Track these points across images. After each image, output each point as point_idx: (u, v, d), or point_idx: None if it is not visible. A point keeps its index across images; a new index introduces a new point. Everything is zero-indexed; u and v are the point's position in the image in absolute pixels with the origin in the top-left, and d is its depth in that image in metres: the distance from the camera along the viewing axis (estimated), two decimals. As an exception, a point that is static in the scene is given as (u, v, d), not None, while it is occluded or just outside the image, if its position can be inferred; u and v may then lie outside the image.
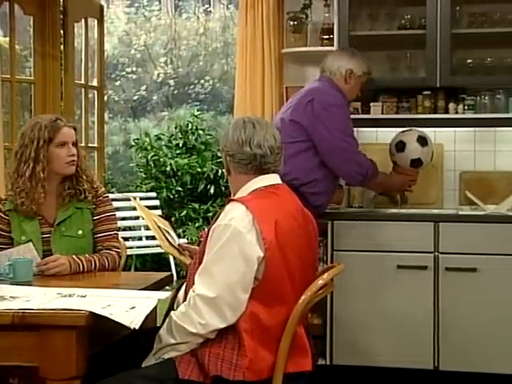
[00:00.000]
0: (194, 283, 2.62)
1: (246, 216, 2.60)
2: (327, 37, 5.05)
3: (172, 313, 2.63)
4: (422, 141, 4.56)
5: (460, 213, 4.62)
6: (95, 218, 3.44)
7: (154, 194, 9.27)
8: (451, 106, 4.86)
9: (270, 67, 5.13)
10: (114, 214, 3.51)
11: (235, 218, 2.60)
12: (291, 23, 5.17)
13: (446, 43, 4.64)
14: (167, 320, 2.65)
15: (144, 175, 9.86)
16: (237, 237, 2.57)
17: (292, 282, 2.66)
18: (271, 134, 2.81)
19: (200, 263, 2.65)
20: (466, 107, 4.84)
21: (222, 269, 2.56)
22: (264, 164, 2.77)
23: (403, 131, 4.66)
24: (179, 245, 3.18)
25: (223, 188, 9.33)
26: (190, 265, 2.79)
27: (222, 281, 2.55)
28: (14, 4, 5.31)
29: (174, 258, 3.18)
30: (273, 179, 2.81)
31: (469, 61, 4.88)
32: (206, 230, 2.79)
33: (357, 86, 4.42)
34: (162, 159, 9.68)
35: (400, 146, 4.59)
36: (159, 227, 3.15)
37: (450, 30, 4.64)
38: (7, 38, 5.53)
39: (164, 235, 3.14)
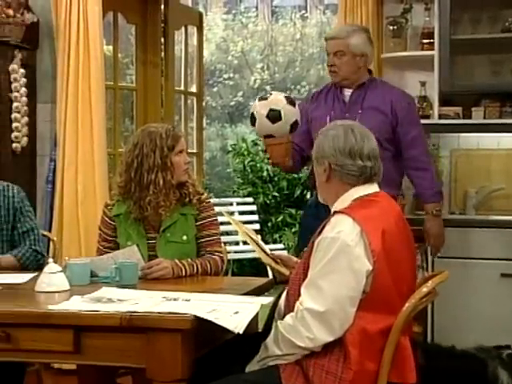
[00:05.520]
0: (297, 294, 2.62)
1: (353, 228, 2.58)
2: (427, 41, 5.00)
3: (279, 323, 2.63)
4: (291, 100, 3.98)
5: None
6: (199, 223, 3.48)
7: (250, 200, 9.32)
8: (556, 110, 4.74)
9: (369, 72, 5.10)
10: (217, 219, 3.55)
11: (343, 231, 2.57)
12: (391, 28, 5.14)
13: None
14: (273, 330, 2.65)
15: (241, 180, 9.93)
16: (345, 250, 2.54)
17: (398, 292, 2.63)
18: (373, 141, 2.79)
19: (305, 275, 2.63)
20: None
21: (330, 283, 2.54)
22: (374, 174, 2.76)
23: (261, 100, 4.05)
24: (272, 254, 3.14)
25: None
26: (291, 274, 2.78)
27: (331, 295, 2.53)
28: (117, 13, 5.44)
29: (272, 268, 3.14)
30: (375, 187, 2.79)
31: None
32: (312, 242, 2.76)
33: None
34: (258, 164, 9.72)
35: (274, 115, 3.90)
36: (252, 238, 3.14)
37: (555, 32, 4.54)
38: (110, 47, 5.66)
39: (259, 246, 3.13)
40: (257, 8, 13.76)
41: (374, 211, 2.68)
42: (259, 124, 3.92)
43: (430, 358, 3.79)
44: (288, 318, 2.60)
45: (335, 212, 2.68)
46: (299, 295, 2.61)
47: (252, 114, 3.95)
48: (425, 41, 5.03)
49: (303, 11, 13.62)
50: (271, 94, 4.00)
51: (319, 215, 4.04)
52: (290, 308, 2.68)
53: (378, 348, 2.57)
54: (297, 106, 3.92)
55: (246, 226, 3.40)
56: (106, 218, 3.53)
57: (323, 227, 2.66)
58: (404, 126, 4.12)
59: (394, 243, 2.64)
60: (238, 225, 3.25)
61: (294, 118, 3.90)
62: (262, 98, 3.99)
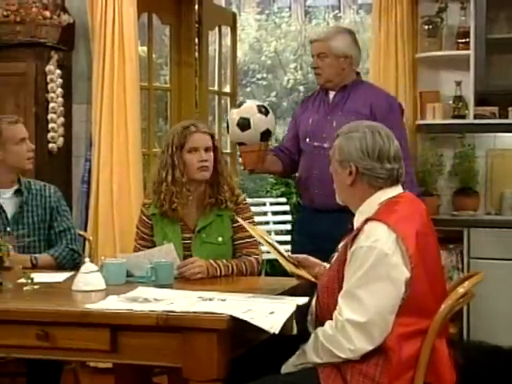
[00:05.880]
0: (332, 303, 2.59)
1: (389, 236, 2.54)
2: (463, 40, 4.96)
3: (319, 332, 2.60)
4: (264, 109, 4.00)
5: None
6: (235, 225, 3.46)
7: (284, 200, 9.31)
8: None
9: (403, 72, 5.07)
10: (254, 221, 3.53)
11: (379, 240, 2.53)
12: (426, 27, 5.11)
13: None
14: (313, 337, 2.61)
15: (274, 181, 9.92)
16: (383, 260, 2.51)
17: (433, 294, 2.61)
18: (396, 141, 2.76)
19: (339, 284, 2.60)
20: None
21: (369, 293, 2.50)
22: (400, 176, 2.74)
23: (235, 107, 4.13)
24: (289, 255, 3.09)
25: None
26: (321, 281, 2.75)
27: (370, 305, 2.50)
28: (152, 14, 5.47)
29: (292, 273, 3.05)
30: (399, 188, 2.76)
31: None
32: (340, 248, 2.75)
33: None
34: (292, 165, 9.71)
35: (243, 123, 3.93)
36: (269, 242, 3.07)
37: None
38: (145, 47, 5.70)
39: (277, 250, 3.05)
40: (290, 8, 13.76)
41: (404, 213, 2.65)
42: (231, 131, 3.98)
43: (470, 358, 3.75)
44: (328, 328, 2.57)
45: (368, 219, 2.62)
46: (334, 305, 2.59)
47: (227, 120, 4.02)
48: (460, 40, 4.99)
49: (336, 11, 13.59)
50: (245, 102, 4.04)
51: (314, 220, 4.06)
52: (322, 315, 2.67)
53: (415, 351, 2.55)
54: (270, 115, 3.94)
55: (261, 228, 3.33)
56: (144, 217, 3.55)
57: (355, 235, 2.61)
58: None
59: (426, 242, 2.62)
60: (253, 229, 3.18)
61: (265, 127, 3.90)
62: (236, 106, 4.03)
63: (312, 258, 3.06)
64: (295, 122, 4.28)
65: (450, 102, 5.04)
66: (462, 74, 4.97)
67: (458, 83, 5.03)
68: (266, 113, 3.93)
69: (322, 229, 3.88)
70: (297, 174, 4.30)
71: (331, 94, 4.16)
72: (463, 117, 4.98)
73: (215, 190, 3.47)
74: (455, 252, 4.59)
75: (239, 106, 4.00)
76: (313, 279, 2.96)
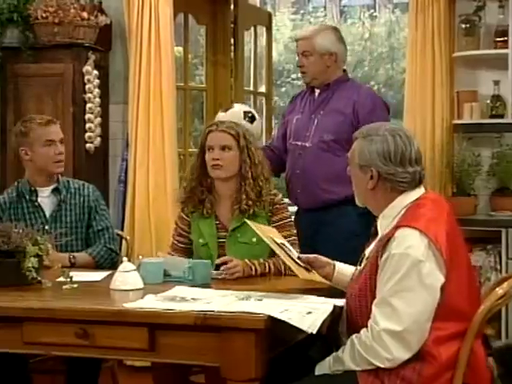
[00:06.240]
0: (364, 311, 2.59)
1: (421, 242, 2.51)
2: (501, 39, 4.91)
3: (355, 340, 2.58)
4: (250, 115, 4.07)
5: None
6: (272, 225, 3.42)
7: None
8: None
9: (440, 71, 5.04)
10: (291, 220, 3.50)
11: (412, 247, 2.51)
12: (463, 26, 5.07)
13: None
14: (349, 345, 2.60)
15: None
16: (417, 267, 2.49)
17: (467, 296, 2.60)
18: (416, 142, 2.73)
19: (371, 292, 2.58)
20: None
21: (404, 301, 2.49)
22: (422, 177, 2.71)
23: (222, 111, 4.15)
24: (299, 258, 3.02)
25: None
26: (349, 288, 2.74)
27: (406, 313, 2.48)
28: (188, 15, 5.50)
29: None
30: (422, 189, 2.73)
31: None
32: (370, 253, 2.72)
33: None
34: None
35: None
36: (277, 243, 3.03)
37: None
38: (180, 48, 5.73)
39: (287, 253, 3.01)
40: (325, 8, 13.74)
41: (431, 215, 2.62)
42: None
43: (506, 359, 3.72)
44: (364, 337, 2.55)
45: (398, 226, 2.59)
46: (366, 313, 2.58)
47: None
48: (498, 39, 4.95)
49: (372, 10, 13.55)
50: (233, 107, 4.05)
51: (307, 222, 4.05)
52: (353, 322, 2.67)
53: (451, 354, 2.54)
54: (256, 122, 3.94)
55: (272, 229, 3.27)
56: (183, 214, 3.57)
57: (386, 242, 2.58)
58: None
59: (456, 243, 2.60)
60: (263, 232, 3.11)
61: None
62: (224, 110, 4.03)
63: (322, 258, 3.03)
64: (283, 122, 4.29)
65: (488, 101, 5.00)
66: (500, 73, 4.93)
67: (496, 82, 4.99)
68: (252, 120, 3.94)
69: (304, 228, 3.86)
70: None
71: (317, 93, 4.17)
72: (501, 116, 4.94)
73: (250, 190, 3.44)
74: (493, 253, 4.56)
75: (226, 110, 3.99)
76: (324, 281, 2.96)
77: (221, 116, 3.99)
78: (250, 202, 3.42)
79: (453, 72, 5.13)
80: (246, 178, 3.45)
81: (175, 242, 3.60)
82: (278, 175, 4.40)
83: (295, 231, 3.48)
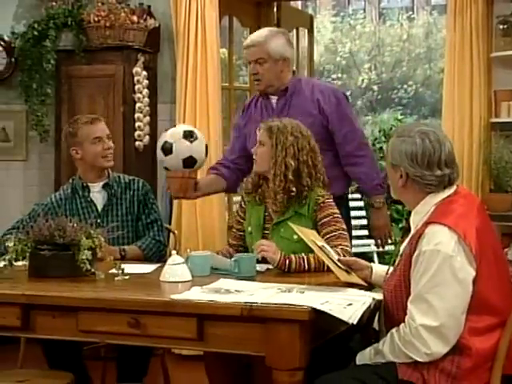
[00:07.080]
0: (401, 307, 2.64)
1: (451, 238, 2.55)
2: (539, 40, 4.97)
3: (395, 334, 2.63)
4: (191, 135, 3.79)
5: None
6: (320, 222, 3.43)
7: (358, 196, 9.37)
8: None
9: (478, 71, 5.07)
10: (338, 216, 3.47)
11: (442, 243, 2.55)
12: (501, 27, 5.10)
13: None
14: (389, 338, 2.65)
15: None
16: (448, 262, 2.53)
17: (499, 290, 2.63)
18: (449, 143, 2.74)
19: (406, 288, 2.63)
20: None
21: (439, 297, 2.53)
22: (454, 179, 2.74)
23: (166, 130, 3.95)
24: (339, 260, 3.05)
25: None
26: (385, 285, 2.79)
27: (442, 308, 2.53)
28: (232, 17, 5.61)
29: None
30: (453, 188, 2.75)
31: None
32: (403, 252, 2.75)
33: None
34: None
35: (166, 148, 3.77)
36: (319, 246, 3.05)
37: None
38: (225, 49, 5.86)
39: (329, 256, 3.03)
40: (364, 10, 13.80)
41: (461, 211, 2.65)
42: (157, 154, 3.83)
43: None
44: (403, 333, 2.59)
45: (427, 223, 2.63)
46: (402, 309, 2.63)
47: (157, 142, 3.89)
48: (535, 39, 5.00)
49: (410, 12, 13.56)
50: (176, 127, 3.99)
51: None
52: (389, 317, 2.73)
53: (489, 346, 2.58)
54: (197, 141, 3.75)
55: (313, 232, 3.28)
56: (242, 201, 3.69)
57: (418, 239, 2.63)
58: (334, 123, 3.94)
59: (486, 237, 2.64)
60: (305, 234, 3.12)
61: (188, 154, 3.73)
62: (167, 129, 3.95)
63: (361, 261, 3.08)
64: (239, 134, 4.12)
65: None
66: (537, 72, 4.97)
67: (533, 82, 5.03)
68: (193, 139, 3.74)
69: None
70: None
71: (273, 99, 4.02)
72: (538, 116, 4.98)
73: (297, 184, 3.47)
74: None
75: (168, 129, 3.89)
76: (364, 283, 2.99)
77: (163, 135, 3.85)
78: (308, 192, 3.46)
79: (490, 72, 5.16)
80: (271, 176, 3.48)
81: (234, 231, 3.69)
82: (234, 191, 4.36)
83: (344, 226, 3.46)
